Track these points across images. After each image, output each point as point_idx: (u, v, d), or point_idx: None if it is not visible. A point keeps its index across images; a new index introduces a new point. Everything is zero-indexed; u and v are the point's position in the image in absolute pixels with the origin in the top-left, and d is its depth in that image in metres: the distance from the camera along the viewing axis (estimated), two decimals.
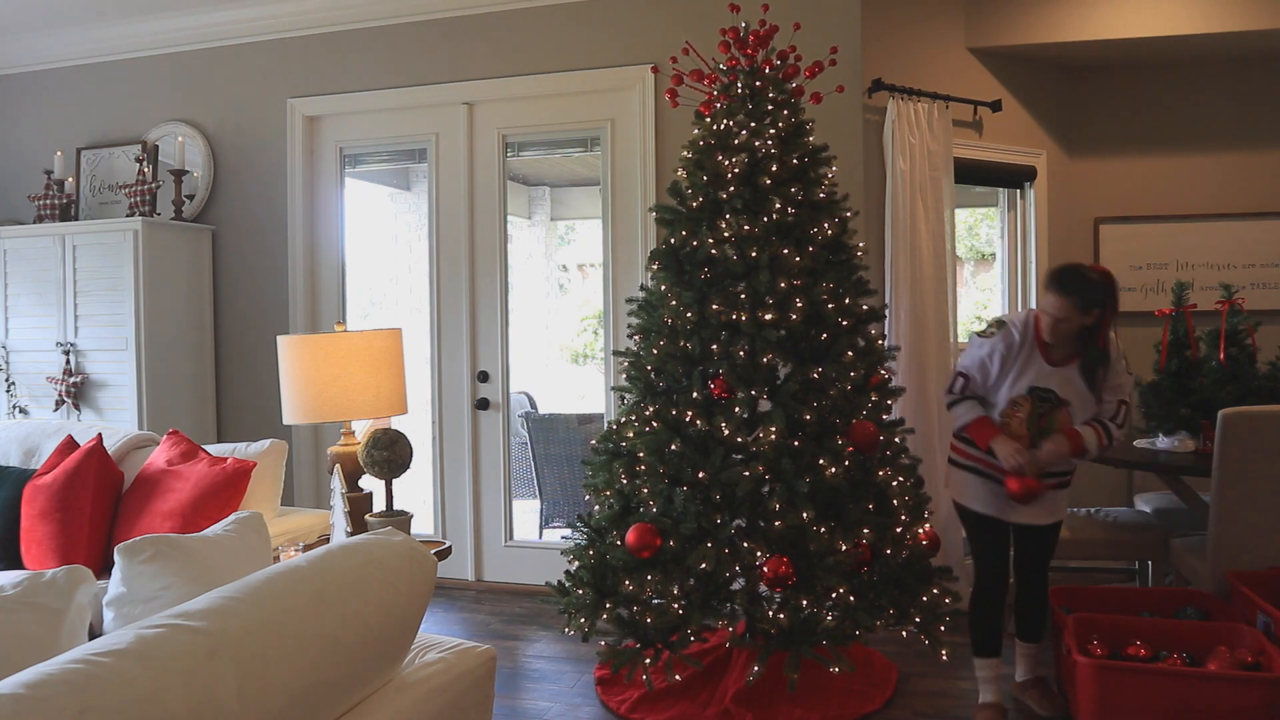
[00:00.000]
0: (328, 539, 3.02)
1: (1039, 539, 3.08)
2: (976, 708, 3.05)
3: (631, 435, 3.23)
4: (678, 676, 3.17)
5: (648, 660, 3.02)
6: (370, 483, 3.14)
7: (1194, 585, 3.42)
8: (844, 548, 3.00)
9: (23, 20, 4.99)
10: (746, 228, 3.17)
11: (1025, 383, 2.91)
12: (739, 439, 3.10)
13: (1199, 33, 4.23)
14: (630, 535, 3.05)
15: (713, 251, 3.19)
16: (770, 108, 3.29)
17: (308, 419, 3.04)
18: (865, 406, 3.20)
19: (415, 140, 4.77)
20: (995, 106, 4.44)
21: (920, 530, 3.26)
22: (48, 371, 4.74)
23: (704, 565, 3.00)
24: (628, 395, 3.37)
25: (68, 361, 4.68)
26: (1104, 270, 2.85)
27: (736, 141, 3.26)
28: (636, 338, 3.38)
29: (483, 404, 4.66)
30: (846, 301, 3.24)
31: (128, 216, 4.69)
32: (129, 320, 4.57)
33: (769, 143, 3.24)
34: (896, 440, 3.33)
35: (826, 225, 3.26)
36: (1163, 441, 3.80)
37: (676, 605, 3.03)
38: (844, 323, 3.22)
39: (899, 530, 3.17)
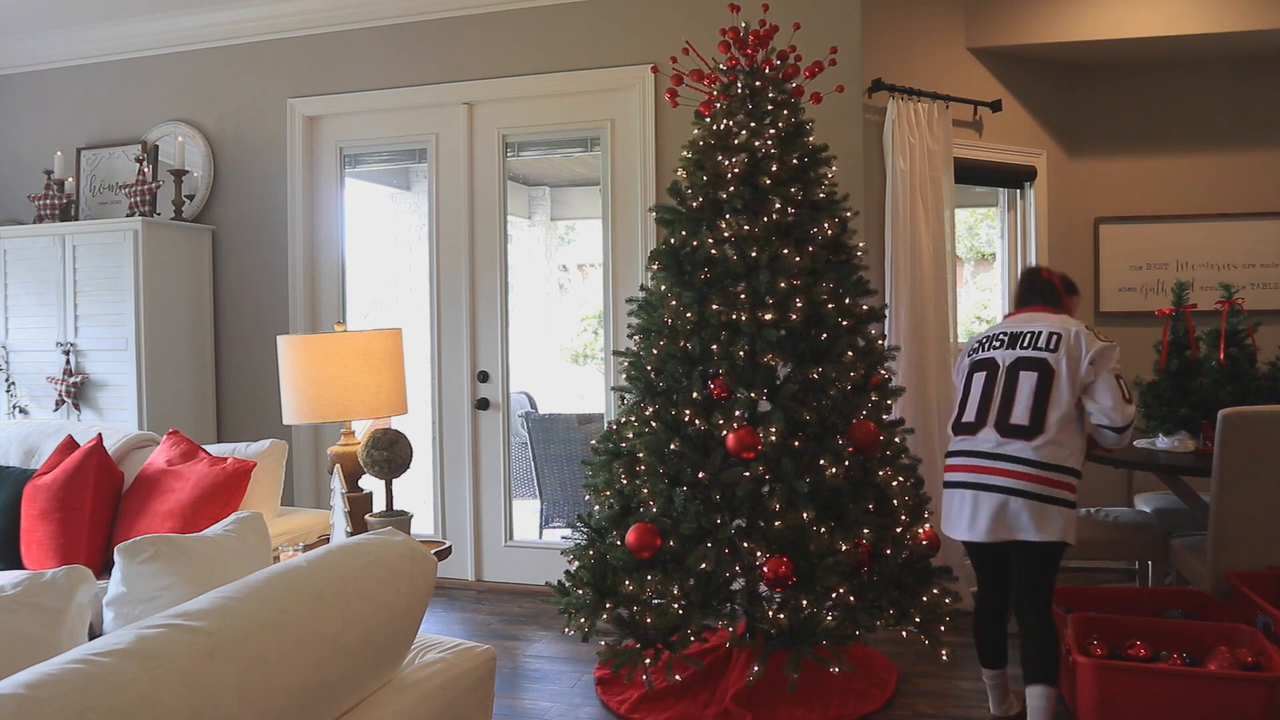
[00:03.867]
0: (328, 539, 3.02)
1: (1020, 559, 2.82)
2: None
3: (631, 435, 3.23)
4: (678, 676, 3.17)
5: (648, 660, 3.02)
6: (370, 483, 3.14)
7: (1194, 585, 3.42)
8: (844, 548, 2.99)
9: (23, 20, 4.99)
10: (746, 228, 3.17)
11: None
12: None
13: (1199, 33, 4.23)
14: (630, 535, 3.05)
15: (713, 251, 3.19)
16: (770, 108, 3.29)
17: (308, 419, 3.04)
18: (865, 406, 3.20)
19: (415, 140, 4.77)
20: (995, 106, 4.44)
21: (920, 530, 3.26)
22: (48, 371, 4.74)
23: (704, 565, 3.00)
24: (628, 395, 3.37)
25: (68, 361, 4.68)
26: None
27: (736, 141, 3.26)
28: (636, 338, 3.38)
29: (483, 404, 4.66)
30: (846, 301, 3.24)
31: (128, 216, 4.69)
32: (129, 320, 4.57)
33: (769, 143, 3.24)
34: (896, 440, 3.33)
35: (826, 225, 3.26)
36: (1163, 441, 3.80)
37: (676, 605, 3.03)
38: (844, 323, 3.22)
39: (899, 530, 3.17)
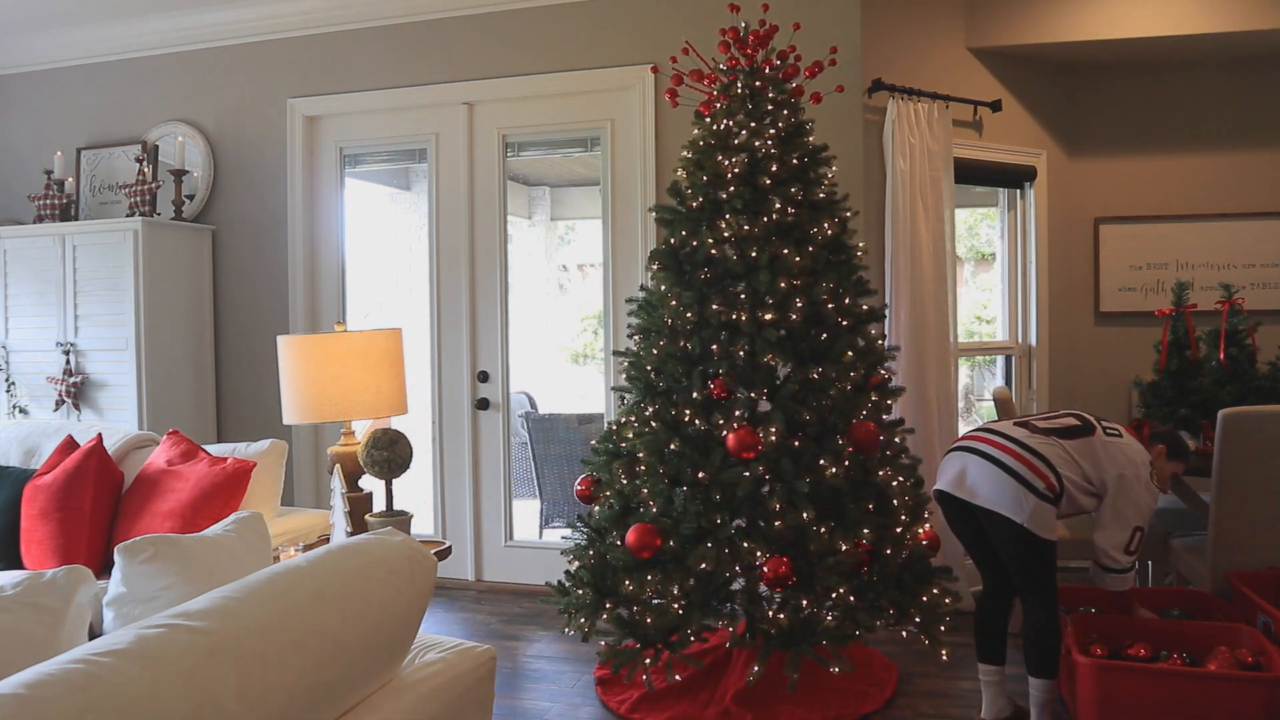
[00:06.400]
0: (328, 539, 3.02)
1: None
2: None
3: (631, 435, 3.23)
4: (678, 676, 3.17)
5: (648, 660, 3.01)
6: (370, 483, 3.14)
7: (1194, 585, 3.42)
8: (844, 548, 2.99)
9: (23, 20, 4.98)
10: (746, 228, 3.17)
11: None
12: None
13: (1199, 33, 4.23)
14: (630, 535, 3.05)
15: (712, 251, 3.19)
16: (770, 108, 3.29)
17: (308, 419, 3.04)
18: (865, 406, 3.20)
19: (415, 140, 4.77)
20: (995, 106, 4.44)
21: (920, 530, 3.26)
22: (48, 371, 4.74)
23: (704, 565, 3.00)
24: (628, 395, 3.37)
25: (68, 361, 4.68)
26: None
27: (736, 141, 3.26)
28: (636, 338, 3.38)
29: (483, 404, 4.65)
30: (846, 301, 3.24)
31: (128, 216, 4.69)
32: (129, 320, 4.57)
33: (769, 143, 3.24)
34: (896, 440, 3.33)
35: (826, 225, 3.26)
36: None
37: (676, 605, 3.03)
38: (844, 323, 3.22)
39: (899, 530, 3.17)
